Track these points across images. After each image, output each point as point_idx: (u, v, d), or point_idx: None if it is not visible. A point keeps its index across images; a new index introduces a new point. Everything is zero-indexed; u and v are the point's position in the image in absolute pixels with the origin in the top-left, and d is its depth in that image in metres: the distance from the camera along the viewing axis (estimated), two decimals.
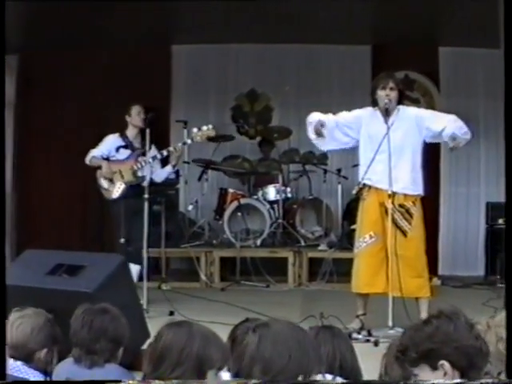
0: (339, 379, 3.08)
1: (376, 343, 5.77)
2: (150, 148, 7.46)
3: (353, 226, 7.30)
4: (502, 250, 8.01)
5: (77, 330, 3.58)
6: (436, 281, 8.56)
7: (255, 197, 9.44)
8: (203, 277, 8.91)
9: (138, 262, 7.18)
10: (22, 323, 3.51)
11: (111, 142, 7.74)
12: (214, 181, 10.07)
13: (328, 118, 6.38)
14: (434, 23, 8.80)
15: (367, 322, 6.28)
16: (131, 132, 7.75)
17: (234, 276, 8.85)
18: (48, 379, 3.51)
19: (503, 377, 2.71)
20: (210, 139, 8.26)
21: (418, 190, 6.32)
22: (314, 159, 9.54)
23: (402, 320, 5.81)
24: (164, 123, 9.89)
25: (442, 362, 2.40)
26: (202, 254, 9.02)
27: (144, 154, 7.51)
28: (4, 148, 3.67)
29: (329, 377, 3.00)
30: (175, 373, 2.60)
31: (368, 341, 5.88)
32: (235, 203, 9.24)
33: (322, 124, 6.26)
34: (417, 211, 6.26)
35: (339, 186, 9.33)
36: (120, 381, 3.13)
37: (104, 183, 7.65)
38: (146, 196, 7.11)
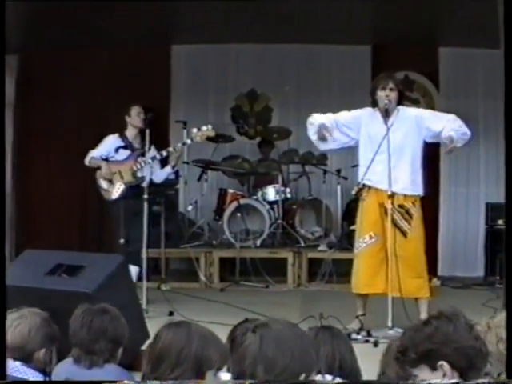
0: (339, 379, 3.08)
1: (375, 344, 5.77)
2: (150, 148, 7.47)
3: (352, 227, 7.30)
4: (501, 250, 8.01)
5: (76, 331, 3.58)
6: (435, 281, 8.55)
7: (255, 197, 9.44)
8: (203, 277, 8.91)
9: (138, 263, 7.17)
10: (19, 324, 3.51)
11: (110, 142, 7.73)
12: (214, 181, 10.07)
13: (328, 118, 6.38)
14: (434, 23, 8.80)
15: (367, 323, 6.28)
16: (131, 132, 7.75)
17: (234, 276, 8.84)
18: (47, 379, 3.51)
19: (503, 377, 2.71)
20: (209, 139, 8.26)
21: (418, 190, 6.32)
22: (313, 160, 9.54)
23: (401, 320, 5.82)
24: (163, 123, 9.88)
25: (442, 362, 2.40)
26: (202, 255, 9.02)
27: (143, 155, 7.51)
28: (4, 148, 3.67)
29: (328, 377, 3.00)
30: (174, 373, 2.60)
31: (367, 341, 5.88)
32: (235, 204, 9.24)
33: (325, 128, 6.26)
34: (416, 212, 6.26)
35: (339, 187, 9.33)
36: (119, 381, 3.12)
37: (103, 184, 7.65)
38: (146, 196, 7.11)
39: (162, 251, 8.77)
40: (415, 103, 9.59)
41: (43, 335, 3.55)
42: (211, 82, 10.40)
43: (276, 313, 5.84)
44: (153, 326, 3.75)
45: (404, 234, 6.18)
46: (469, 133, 6.21)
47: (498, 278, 8.72)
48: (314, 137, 6.41)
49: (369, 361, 3.38)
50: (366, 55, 10.06)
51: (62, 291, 4.82)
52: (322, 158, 9.47)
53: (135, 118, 7.68)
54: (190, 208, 9.55)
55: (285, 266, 8.94)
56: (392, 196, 6.05)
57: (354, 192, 6.40)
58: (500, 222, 8.92)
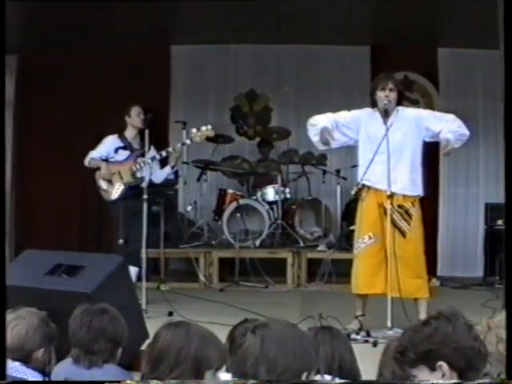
0: (338, 380, 3.08)
1: (375, 344, 5.76)
2: (149, 149, 7.46)
3: (352, 227, 7.30)
4: (500, 250, 8.01)
5: (75, 331, 3.59)
6: (435, 282, 8.54)
7: (254, 197, 9.44)
8: (202, 277, 8.91)
9: (137, 264, 7.15)
10: (16, 325, 3.51)
11: (110, 143, 7.73)
12: (213, 181, 10.07)
13: (328, 118, 6.37)
14: (434, 24, 8.81)
15: (366, 323, 6.28)
16: (130, 133, 7.74)
17: (233, 277, 8.84)
18: (46, 379, 3.51)
19: (503, 378, 2.71)
20: (208, 140, 8.26)
21: (417, 190, 6.32)
22: (313, 160, 9.55)
23: (400, 321, 5.82)
24: (163, 124, 9.88)
25: (441, 363, 2.40)
26: (201, 255, 9.02)
27: (143, 155, 7.50)
28: (4, 148, 3.67)
29: (327, 377, 3.00)
30: (173, 373, 2.61)
31: (367, 341, 5.88)
32: (234, 204, 9.24)
33: (328, 132, 6.27)
34: (416, 212, 6.25)
35: (338, 187, 9.34)
36: (119, 381, 3.13)
37: (103, 184, 7.64)
38: (145, 197, 7.10)
39: (162, 251, 8.77)
40: (415, 103, 9.60)
41: (41, 335, 3.55)
42: (211, 82, 10.41)
43: (275, 313, 5.83)
44: (152, 326, 3.75)
45: (403, 234, 6.18)
46: (467, 133, 6.20)
47: (497, 278, 8.72)
48: (315, 138, 6.40)
49: (368, 361, 3.38)
50: (365, 55, 10.06)
51: (62, 291, 4.82)
52: (322, 158, 9.47)
53: (135, 118, 7.68)
54: (189, 208, 9.56)
55: (284, 266, 8.94)
56: (391, 196, 6.05)
57: (353, 192, 6.40)
58: (499, 222, 8.92)
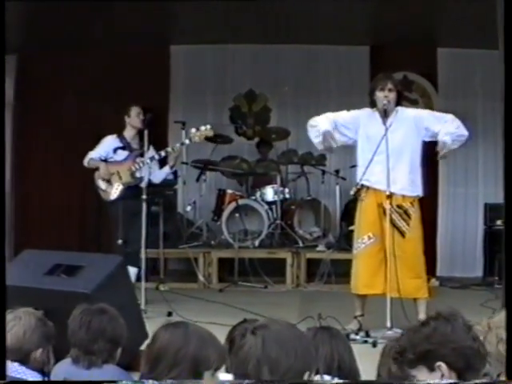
0: (337, 380, 3.08)
1: (374, 344, 5.76)
2: (148, 149, 7.46)
3: (351, 227, 7.30)
4: (500, 251, 7.98)
5: (75, 331, 3.58)
6: (434, 282, 8.55)
7: (253, 197, 9.44)
8: (201, 277, 8.90)
9: (136, 264, 7.15)
10: (14, 325, 3.50)
11: (109, 143, 7.73)
12: (212, 181, 10.06)
13: (328, 119, 6.37)
14: (433, 24, 8.81)
15: (365, 323, 6.28)
16: (129, 133, 7.74)
17: (232, 277, 8.84)
18: (46, 379, 3.51)
19: (503, 378, 2.71)
20: (208, 140, 8.27)
21: (417, 191, 6.32)
22: (312, 160, 9.55)
23: (400, 321, 5.81)
24: (162, 124, 9.88)
25: (439, 363, 2.39)
26: (200, 255, 9.02)
27: (142, 155, 7.50)
28: (4, 148, 3.67)
29: (327, 377, 3.00)
30: (172, 373, 2.61)
31: (366, 342, 5.88)
32: (233, 204, 9.24)
33: (330, 135, 6.27)
34: (415, 212, 6.25)
35: (337, 187, 9.34)
36: (118, 381, 3.13)
37: (102, 184, 7.64)
38: (144, 197, 7.10)
39: (161, 251, 8.76)
40: (414, 104, 9.59)
41: (39, 335, 3.55)
42: (210, 83, 10.40)
43: (275, 313, 5.83)
44: (151, 327, 3.75)
45: (402, 234, 6.18)
46: (466, 134, 6.21)
47: (496, 278, 8.72)
48: (315, 139, 6.39)
49: (367, 361, 3.38)
50: (364, 56, 10.06)
51: (61, 291, 4.82)
52: (321, 158, 9.48)
53: (135, 118, 7.67)
54: (188, 208, 9.55)
55: (283, 267, 8.94)
56: (390, 196, 6.05)
57: (352, 192, 6.39)
58: (499, 222, 8.92)
